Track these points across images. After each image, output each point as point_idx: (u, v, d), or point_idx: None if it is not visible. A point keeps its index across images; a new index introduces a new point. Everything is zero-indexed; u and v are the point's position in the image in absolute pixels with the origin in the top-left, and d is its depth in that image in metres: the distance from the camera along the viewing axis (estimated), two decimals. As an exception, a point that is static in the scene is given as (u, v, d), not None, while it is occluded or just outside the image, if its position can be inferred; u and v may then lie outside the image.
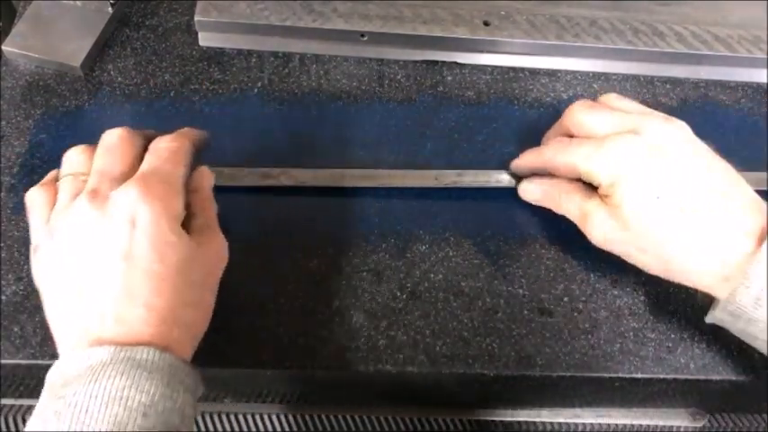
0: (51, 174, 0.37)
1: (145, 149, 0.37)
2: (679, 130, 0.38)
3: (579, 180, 0.40)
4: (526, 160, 0.43)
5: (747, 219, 0.35)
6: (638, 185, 0.37)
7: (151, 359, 0.31)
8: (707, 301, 0.37)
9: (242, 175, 0.44)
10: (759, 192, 0.45)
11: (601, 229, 0.38)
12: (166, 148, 0.36)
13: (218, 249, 0.36)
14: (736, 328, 0.36)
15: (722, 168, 0.37)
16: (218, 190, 0.44)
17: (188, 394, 0.32)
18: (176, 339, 0.33)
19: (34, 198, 0.36)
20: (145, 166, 0.35)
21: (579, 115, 0.40)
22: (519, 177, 0.45)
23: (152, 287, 0.32)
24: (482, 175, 0.45)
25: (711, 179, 0.36)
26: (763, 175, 0.46)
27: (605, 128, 0.39)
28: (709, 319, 0.37)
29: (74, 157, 0.36)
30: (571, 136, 0.41)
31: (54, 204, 0.35)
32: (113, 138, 0.36)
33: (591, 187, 0.39)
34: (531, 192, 0.43)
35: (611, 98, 0.42)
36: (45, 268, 0.34)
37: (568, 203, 0.40)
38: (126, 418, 0.29)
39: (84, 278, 0.32)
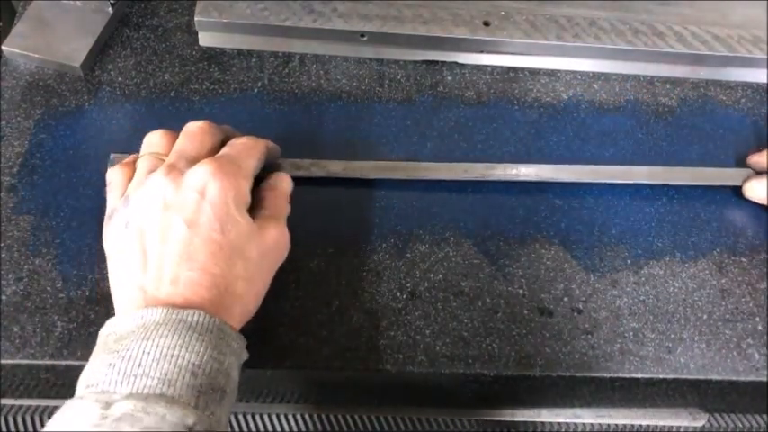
0: (131, 157, 0.40)
1: (222, 144, 0.39)
2: None
3: None
4: None
5: None
6: None
7: (201, 322, 0.32)
8: None
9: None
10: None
11: None
12: (243, 143, 0.39)
13: (278, 238, 0.38)
14: None
15: None
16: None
17: (233, 358, 0.33)
18: (226, 307, 0.34)
19: (114, 175, 0.39)
20: (220, 153, 0.38)
21: None
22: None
23: (209, 253, 0.34)
24: (511, 168, 0.45)
25: None
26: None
27: None
28: None
29: (154, 139, 0.39)
30: None
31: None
32: (195, 127, 0.39)
33: None
34: (759, 190, 0.45)
35: None
36: (115, 232, 0.36)
37: None
38: (176, 375, 0.30)
39: (148, 240, 0.35)
